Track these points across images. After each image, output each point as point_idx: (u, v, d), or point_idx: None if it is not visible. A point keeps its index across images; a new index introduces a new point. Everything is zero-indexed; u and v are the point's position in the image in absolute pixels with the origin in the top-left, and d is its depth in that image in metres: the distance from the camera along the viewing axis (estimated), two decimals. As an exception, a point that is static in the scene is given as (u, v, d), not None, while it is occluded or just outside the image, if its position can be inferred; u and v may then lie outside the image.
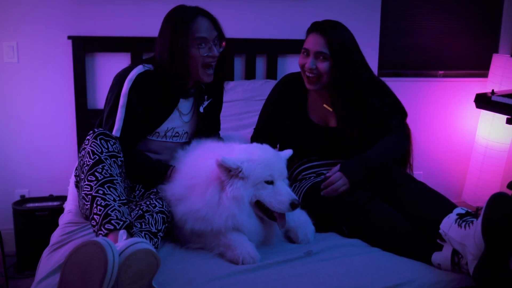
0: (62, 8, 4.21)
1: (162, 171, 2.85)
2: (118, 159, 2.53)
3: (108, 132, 2.56)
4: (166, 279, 2.25)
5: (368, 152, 3.00)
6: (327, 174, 2.95)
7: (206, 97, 3.09)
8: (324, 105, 3.20)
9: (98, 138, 2.50)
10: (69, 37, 4.15)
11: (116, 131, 2.82)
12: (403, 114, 3.20)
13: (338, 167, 2.95)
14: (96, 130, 2.54)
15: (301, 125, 3.22)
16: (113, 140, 2.54)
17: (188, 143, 2.99)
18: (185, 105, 3.03)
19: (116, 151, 2.53)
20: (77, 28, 4.23)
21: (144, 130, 2.91)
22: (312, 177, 3.15)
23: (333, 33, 3.02)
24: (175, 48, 2.81)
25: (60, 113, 4.33)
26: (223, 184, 2.48)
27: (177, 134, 3.02)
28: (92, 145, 2.48)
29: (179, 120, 3.00)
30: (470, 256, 2.31)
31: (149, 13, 4.30)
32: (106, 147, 2.49)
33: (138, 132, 2.88)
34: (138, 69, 2.88)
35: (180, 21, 2.81)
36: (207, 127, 3.10)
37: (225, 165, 2.43)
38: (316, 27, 3.07)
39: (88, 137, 2.53)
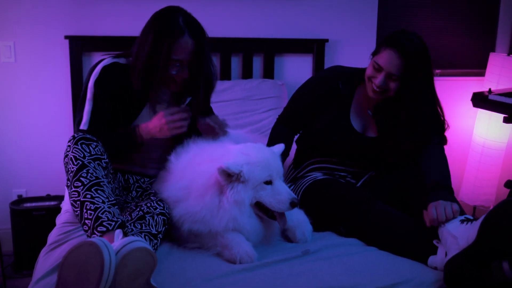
0: (59, 8, 4.21)
1: (131, 135, 2.82)
2: (102, 161, 2.50)
3: (88, 136, 2.53)
4: (164, 278, 2.26)
5: (432, 176, 2.86)
6: (428, 224, 2.67)
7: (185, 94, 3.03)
8: (368, 111, 3.16)
9: (79, 143, 2.47)
10: (66, 37, 4.14)
11: (83, 124, 2.81)
12: (443, 125, 3.13)
13: (424, 212, 2.71)
14: (76, 136, 2.52)
15: (339, 124, 3.14)
16: (95, 143, 2.52)
17: (176, 140, 2.96)
18: (159, 105, 2.97)
19: (99, 153, 2.51)
20: (74, 28, 4.23)
21: (115, 124, 2.87)
22: (319, 175, 3.15)
23: (412, 55, 2.87)
24: (151, 58, 2.75)
25: (57, 113, 4.32)
26: (222, 188, 2.48)
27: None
28: (73, 151, 2.46)
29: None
30: (455, 246, 2.34)
31: (146, 12, 4.27)
32: (88, 151, 2.47)
33: (106, 125, 2.85)
34: (105, 62, 2.88)
35: (165, 34, 2.74)
36: (191, 121, 2.98)
37: (229, 172, 2.44)
38: (395, 44, 2.88)
39: (69, 143, 2.51)
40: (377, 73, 2.94)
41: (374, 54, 2.99)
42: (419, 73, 2.91)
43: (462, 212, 2.68)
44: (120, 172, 2.96)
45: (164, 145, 2.99)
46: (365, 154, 3.15)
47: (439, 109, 3.08)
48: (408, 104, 2.96)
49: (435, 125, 3.07)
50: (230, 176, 2.46)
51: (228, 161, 2.46)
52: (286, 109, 3.36)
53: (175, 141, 2.96)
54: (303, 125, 3.30)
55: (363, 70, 3.15)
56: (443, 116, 3.10)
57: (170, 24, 2.75)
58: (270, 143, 3.16)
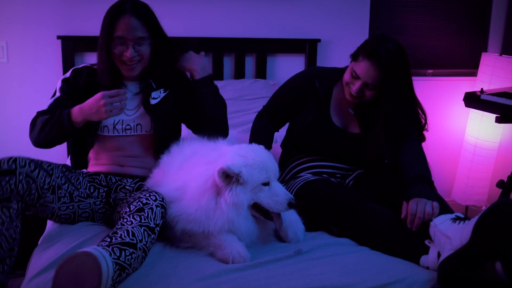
0: (51, 8, 4.20)
1: (62, 118, 2.81)
2: (14, 201, 2.51)
3: (6, 168, 2.55)
4: (157, 278, 2.26)
5: (412, 169, 2.86)
6: (403, 215, 2.68)
7: (162, 90, 3.07)
8: (349, 109, 3.18)
9: None
10: (58, 37, 4.14)
11: (45, 107, 2.96)
12: (422, 127, 3.14)
13: (404, 203, 2.70)
14: None
15: (320, 122, 3.17)
16: (8, 176, 2.52)
17: (151, 135, 3.01)
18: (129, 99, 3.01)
19: (9, 190, 2.50)
20: (66, 28, 4.23)
21: None
22: (310, 176, 3.15)
23: (389, 67, 2.88)
24: (102, 44, 2.88)
25: (50, 113, 4.33)
26: (219, 190, 2.49)
27: (128, 127, 3.00)
28: None
29: (122, 114, 2.96)
30: (449, 246, 2.34)
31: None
32: None
33: None
34: (78, 66, 3.08)
35: (110, 16, 2.86)
36: (168, 118, 3.06)
37: (230, 172, 2.44)
38: (373, 55, 2.89)
39: None
40: (354, 80, 2.98)
41: (354, 58, 3.01)
42: (397, 81, 2.94)
43: (451, 211, 2.68)
44: (103, 174, 2.97)
45: (142, 143, 3.03)
46: (350, 151, 3.17)
47: (419, 110, 3.11)
48: (387, 107, 2.98)
49: (414, 125, 3.09)
50: (228, 178, 2.47)
51: (228, 162, 2.47)
52: (266, 107, 3.41)
53: (155, 139, 3.01)
54: (283, 122, 3.38)
55: (340, 69, 3.21)
56: (425, 118, 3.13)
57: (114, 9, 2.87)
58: (253, 135, 3.24)
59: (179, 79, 3.14)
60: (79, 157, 3.08)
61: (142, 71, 2.98)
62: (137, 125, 3.00)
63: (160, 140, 2.98)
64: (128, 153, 3.01)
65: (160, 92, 3.05)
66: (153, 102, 3.01)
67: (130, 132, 3.00)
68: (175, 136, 3.08)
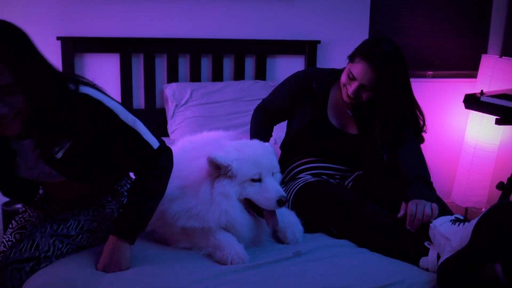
0: (51, 8, 4.20)
1: None
2: None
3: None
4: (155, 279, 2.26)
5: (411, 170, 2.87)
6: (400, 214, 2.68)
7: (65, 140, 2.28)
8: (347, 110, 3.18)
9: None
10: (58, 38, 4.14)
11: None
12: (420, 128, 3.14)
13: (403, 204, 2.70)
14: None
15: (317, 123, 3.17)
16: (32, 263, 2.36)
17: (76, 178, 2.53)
18: (23, 153, 2.42)
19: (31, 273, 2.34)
20: (66, 29, 4.22)
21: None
22: (310, 178, 3.14)
23: (385, 69, 2.89)
24: None
25: (49, 114, 4.32)
26: (214, 180, 2.50)
27: (52, 175, 2.46)
28: None
29: (28, 166, 2.47)
30: (448, 248, 2.33)
31: (138, 13, 4.29)
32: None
33: None
34: None
35: None
36: (85, 163, 2.42)
37: (216, 162, 2.45)
38: (369, 57, 2.90)
39: None
40: (351, 81, 2.98)
41: (350, 59, 3.02)
42: (394, 82, 2.94)
43: (451, 213, 2.68)
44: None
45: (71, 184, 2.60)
46: (348, 151, 3.17)
47: (417, 112, 3.11)
48: (387, 108, 2.99)
49: (411, 127, 3.09)
50: (219, 168, 2.48)
51: (218, 153, 2.48)
52: (265, 102, 3.43)
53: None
54: (280, 119, 3.41)
55: (338, 70, 3.21)
56: (423, 119, 3.13)
57: None
58: (253, 130, 3.28)
59: (84, 129, 2.31)
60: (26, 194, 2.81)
61: (29, 126, 2.23)
62: (58, 174, 2.47)
63: (88, 182, 2.60)
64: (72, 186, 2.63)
65: (63, 144, 2.31)
66: (57, 156, 2.32)
67: (60, 178, 2.48)
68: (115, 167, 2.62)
